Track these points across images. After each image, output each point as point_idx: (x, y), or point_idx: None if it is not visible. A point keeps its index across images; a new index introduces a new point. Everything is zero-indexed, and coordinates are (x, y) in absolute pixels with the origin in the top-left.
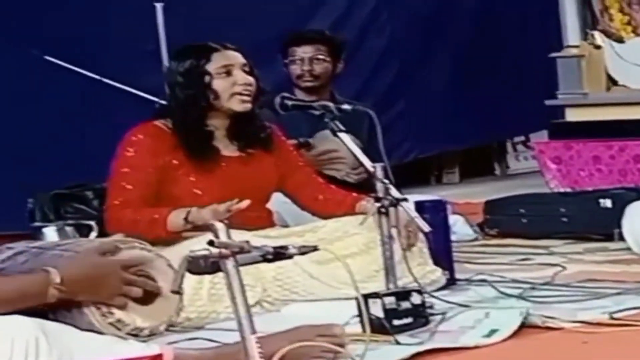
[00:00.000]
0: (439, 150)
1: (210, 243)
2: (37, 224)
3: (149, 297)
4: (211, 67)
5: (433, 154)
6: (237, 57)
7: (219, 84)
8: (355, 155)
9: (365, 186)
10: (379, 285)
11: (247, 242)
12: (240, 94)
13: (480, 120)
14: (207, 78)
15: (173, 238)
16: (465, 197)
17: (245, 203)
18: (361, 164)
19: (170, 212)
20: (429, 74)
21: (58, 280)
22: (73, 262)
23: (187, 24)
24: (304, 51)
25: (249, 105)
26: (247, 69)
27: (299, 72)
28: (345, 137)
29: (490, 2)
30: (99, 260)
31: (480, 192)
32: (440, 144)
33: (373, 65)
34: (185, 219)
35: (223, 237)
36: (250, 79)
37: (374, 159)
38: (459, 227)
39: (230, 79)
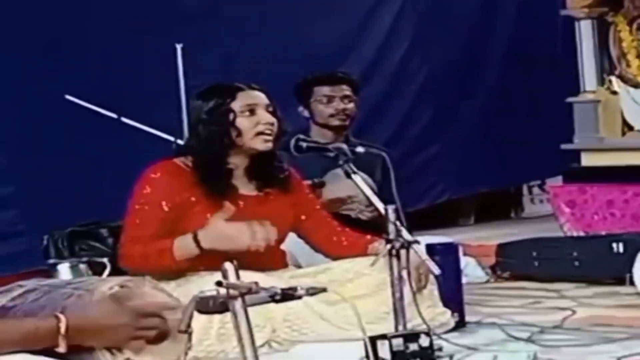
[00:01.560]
0: (470, 192)
1: (219, 283)
2: (51, 260)
3: (158, 336)
4: (236, 105)
5: (465, 195)
6: (261, 97)
7: (242, 122)
8: (367, 198)
9: (379, 224)
10: (388, 327)
11: (256, 283)
12: (263, 133)
13: (506, 163)
14: (231, 116)
15: (182, 270)
16: (479, 239)
17: (273, 235)
18: (374, 206)
19: (173, 242)
20: (461, 118)
21: (63, 328)
22: (84, 310)
23: (207, 65)
24: (334, 90)
25: (270, 145)
26: (270, 109)
27: (332, 111)
28: (359, 179)
29: (518, 45)
30: (112, 307)
31: (495, 235)
32: (471, 185)
33: (406, 109)
34: (195, 239)
35: (232, 278)
36: (273, 119)
37: (387, 200)
38: (471, 269)
39: (254, 118)
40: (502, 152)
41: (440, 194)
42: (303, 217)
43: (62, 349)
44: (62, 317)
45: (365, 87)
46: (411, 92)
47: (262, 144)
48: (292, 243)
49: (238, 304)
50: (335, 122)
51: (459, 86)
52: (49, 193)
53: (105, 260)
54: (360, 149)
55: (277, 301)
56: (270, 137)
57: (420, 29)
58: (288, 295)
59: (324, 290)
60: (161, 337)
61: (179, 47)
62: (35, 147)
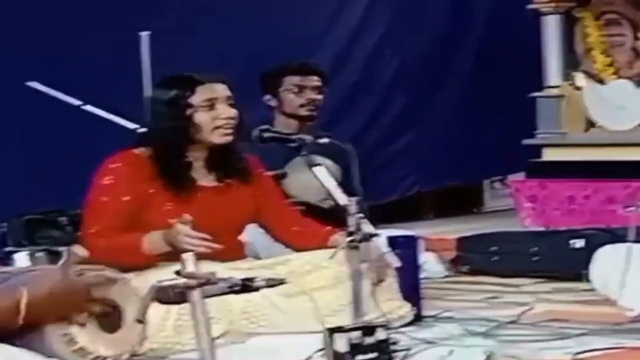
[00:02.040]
0: (441, 185)
1: (177, 273)
2: (8, 249)
3: (113, 325)
4: (195, 99)
5: (435, 188)
6: (221, 91)
7: (201, 117)
8: (328, 190)
9: (340, 213)
10: (347, 320)
11: (214, 273)
12: (222, 127)
13: (476, 157)
14: (189, 111)
15: (150, 264)
16: (439, 233)
17: (217, 247)
18: (334, 199)
19: (143, 237)
20: (433, 110)
21: (25, 299)
22: (39, 282)
23: (173, 54)
24: (305, 80)
25: (229, 138)
26: (231, 101)
27: (303, 101)
28: (320, 171)
29: (490, 38)
30: (69, 279)
31: (455, 229)
32: (442, 179)
33: (378, 100)
34: (165, 237)
35: (190, 268)
36: (233, 112)
37: (350, 193)
38: (430, 264)
39: (213, 112)
40: (473, 145)
41: (410, 186)
42: (263, 207)
43: (19, 322)
44: (21, 289)
45: (336, 77)
46: (383, 83)
47: (220, 138)
48: (252, 234)
49: (196, 294)
50: (304, 112)
51: (431, 78)
52: (7, 181)
53: (64, 249)
54: (324, 140)
55: (235, 292)
56: (229, 131)
57: (393, 19)
58: (247, 286)
59: (283, 282)
60: (116, 325)
61: (143, 34)
62: None
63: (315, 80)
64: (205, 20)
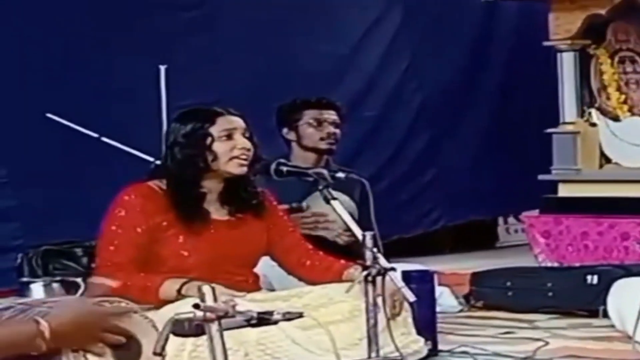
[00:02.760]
0: (465, 220)
1: (196, 306)
2: (24, 279)
3: (131, 357)
4: (214, 129)
5: (461, 222)
6: (239, 122)
7: (219, 146)
8: (345, 223)
9: (355, 249)
10: (361, 354)
11: (233, 306)
12: (238, 157)
13: (498, 191)
14: (208, 140)
15: (162, 304)
16: (453, 268)
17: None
18: (351, 232)
19: (162, 282)
20: (457, 144)
21: (47, 332)
22: (62, 310)
23: (190, 87)
24: (327, 115)
25: (245, 169)
26: (247, 134)
27: (322, 134)
28: (337, 205)
29: (511, 73)
30: (92, 308)
31: (469, 264)
32: (466, 213)
33: (403, 135)
34: (179, 291)
35: (209, 301)
36: (249, 145)
37: (365, 227)
38: (445, 299)
39: (231, 142)
40: (497, 180)
41: (435, 221)
42: (276, 241)
43: (42, 350)
44: (42, 320)
45: (359, 111)
46: (406, 117)
47: (236, 168)
48: (266, 266)
49: (214, 327)
50: (324, 145)
51: (453, 112)
52: (23, 212)
53: (79, 279)
54: (340, 174)
55: (253, 325)
56: (245, 162)
57: (416, 53)
58: (264, 319)
59: (300, 315)
60: (133, 356)
61: (162, 68)
62: (12, 165)
63: (333, 115)
64: (224, 53)
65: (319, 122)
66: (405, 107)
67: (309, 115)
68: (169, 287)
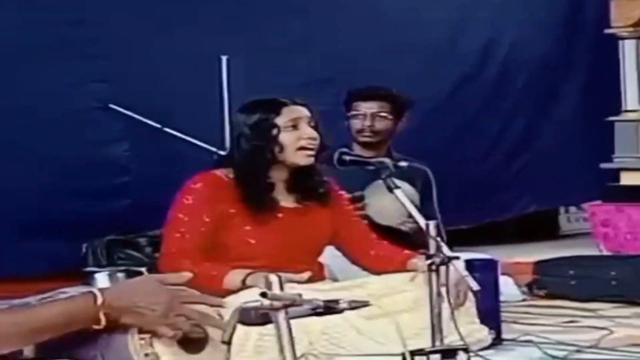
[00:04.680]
0: (553, 205)
1: (263, 295)
2: (89, 269)
3: (196, 345)
4: (280, 120)
5: (550, 207)
6: (304, 112)
7: (285, 137)
8: (409, 212)
9: (419, 237)
10: (425, 343)
11: (299, 295)
12: (305, 147)
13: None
14: (274, 131)
15: (226, 294)
16: (516, 257)
17: (306, 275)
18: (415, 221)
19: (228, 272)
20: (549, 131)
21: (100, 299)
22: (121, 287)
23: (254, 77)
24: (367, 107)
25: (312, 160)
26: (312, 123)
27: (360, 126)
28: (400, 194)
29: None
30: (156, 285)
31: (531, 253)
32: (555, 199)
33: (501, 123)
34: (243, 281)
35: (275, 290)
36: (316, 134)
37: (428, 216)
38: (508, 288)
39: (297, 132)
40: (582, 166)
41: (527, 205)
42: (341, 230)
43: (102, 323)
44: (97, 292)
45: (462, 98)
46: (507, 102)
47: (304, 159)
48: (330, 256)
49: (281, 316)
50: (362, 138)
51: (547, 100)
52: (91, 202)
53: (143, 269)
54: (403, 163)
55: (319, 314)
56: (312, 152)
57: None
58: (330, 308)
59: (366, 304)
60: (200, 346)
61: (224, 58)
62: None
63: (379, 107)
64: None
65: (360, 115)
66: (507, 92)
67: (355, 107)
68: (234, 277)
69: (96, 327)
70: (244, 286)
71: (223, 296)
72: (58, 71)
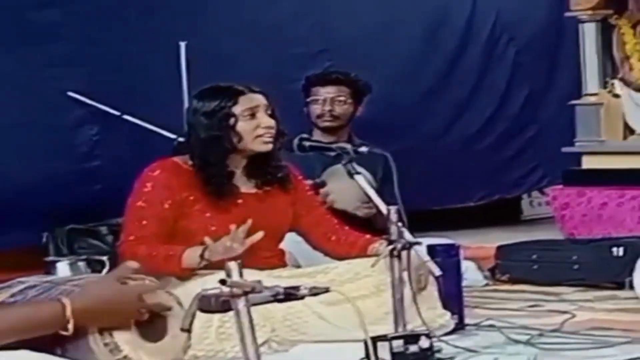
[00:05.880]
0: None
1: (222, 282)
2: (50, 258)
3: (155, 334)
4: (237, 109)
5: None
6: (261, 100)
7: (243, 126)
8: (369, 198)
9: (375, 222)
10: (388, 328)
11: (259, 282)
12: (262, 136)
13: None
14: (232, 120)
15: (186, 275)
16: (478, 242)
17: (259, 235)
18: (375, 207)
19: (185, 250)
20: (554, 99)
21: (69, 309)
22: (87, 289)
23: (210, 62)
24: (326, 91)
25: (270, 146)
26: (269, 111)
27: (319, 111)
28: (361, 179)
29: None
30: (118, 286)
31: (494, 238)
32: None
33: (501, 92)
34: (201, 255)
35: (235, 277)
36: (273, 122)
37: (388, 201)
38: (470, 273)
39: (254, 121)
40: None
41: (540, 179)
42: (301, 215)
43: (69, 330)
44: (65, 299)
45: (454, 75)
46: (502, 75)
47: (262, 146)
48: (292, 242)
49: (241, 303)
50: (322, 123)
51: (550, 66)
52: (49, 191)
53: (104, 258)
54: (363, 149)
55: (280, 300)
56: (270, 139)
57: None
58: (291, 294)
59: (327, 290)
60: (160, 334)
61: (182, 44)
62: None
63: (338, 91)
64: (246, 27)
65: (319, 100)
66: (500, 63)
67: (313, 92)
68: (191, 253)
69: (63, 333)
70: (202, 260)
71: (185, 278)
72: (19, 55)
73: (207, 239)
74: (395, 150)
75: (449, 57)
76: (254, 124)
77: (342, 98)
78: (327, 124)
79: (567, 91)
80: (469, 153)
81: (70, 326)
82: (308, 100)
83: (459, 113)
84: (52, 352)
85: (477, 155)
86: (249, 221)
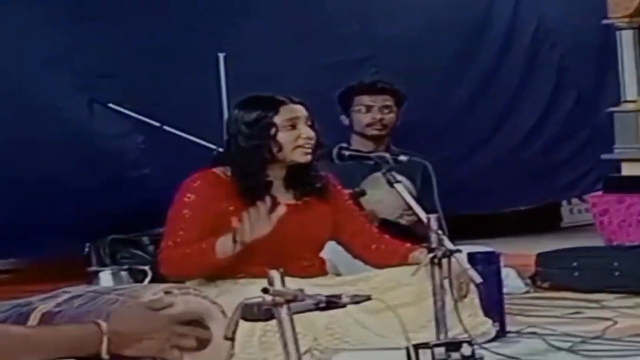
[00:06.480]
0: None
1: (265, 291)
2: (93, 268)
3: (200, 344)
4: (278, 119)
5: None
6: (302, 111)
7: (283, 137)
8: (410, 206)
9: (418, 230)
10: (429, 336)
11: (301, 290)
12: (302, 147)
13: None
14: (273, 130)
15: (222, 269)
16: (518, 249)
17: (282, 209)
18: (416, 215)
19: (216, 241)
20: (605, 103)
21: (105, 328)
22: (122, 314)
23: (249, 74)
24: (374, 100)
25: (309, 157)
26: (309, 122)
27: (369, 120)
28: (401, 188)
29: None
30: (149, 314)
31: (534, 245)
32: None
33: (548, 97)
34: (234, 240)
35: (277, 285)
36: (313, 133)
37: (428, 210)
38: (511, 280)
39: (295, 132)
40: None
41: (594, 182)
42: (341, 225)
43: (104, 355)
44: (102, 322)
45: (496, 80)
46: (547, 79)
47: (302, 157)
48: (332, 251)
49: (284, 312)
50: (371, 131)
51: (597, 68)
52: (91, 202)
53: (146, 267)
54: (402, 157)
55: (321, 309)
56: (309, 150)
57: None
58: (333, 303)
59: (368, 298)
60: (204, 344)
61: (221, 56)
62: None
63: (384, 100)
64: (282, 39)
65: (368, 108)
66: (544, 68)
67: (359, 101)
68: (223, 240)
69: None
70: (235, 244)
71: (220, 272)
72: (61, 66)
73: (234, 222)
74: (439, 158)
75: (491, 62)
76: (295, 135)
77: (389, 105)
78: (377, 132)
79: (618, 94)
80: (517, 158)
81: (104, 347)
82: (353, 109)
83: (503, 118)
84: None
85: (525, 160)
86: (283, 207)
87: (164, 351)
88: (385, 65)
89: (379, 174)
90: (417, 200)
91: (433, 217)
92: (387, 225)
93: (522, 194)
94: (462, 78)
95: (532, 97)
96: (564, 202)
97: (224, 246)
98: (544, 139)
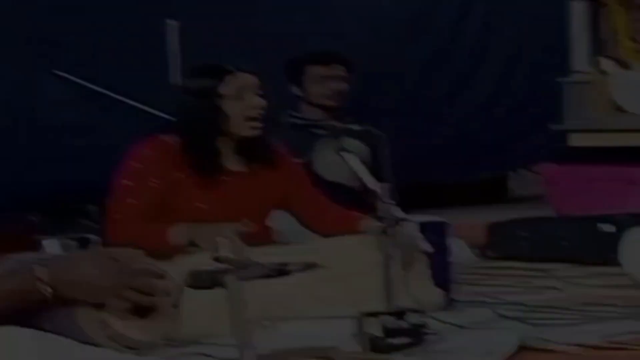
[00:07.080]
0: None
1: (216, 259)
2: (39, 237)
3: (148, 310)
4: (225, 89)
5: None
6: (250, 80)
7: (230, 108)
8: (358, 174)
9: (369, 197)
10: (378, 305)
11: (249, 258)
12: (251, 118)
13: None
14: (219, 100)
15: (174, 252)
16: (468, 219)
17: (247, 226)
18: (364, 184)
19: (170, 227)
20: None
21: (46, 276)
22: (66, 259)
23: (201, 43)
24: (329, 70)
25: (257, 132)
26: (260, 91)
27: (328, 92)
28: (350, 157)
29: None
30: (99, 258)
31: (483, 216)
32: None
33: (500, 69)
34: (190, 238)
35: (225, 252)
36: (262, 103)
37: (381, 178)
38: (460, 250)
39: (243, 102)
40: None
41: (543, 153)
42: (292, 193)
43: (48, 294)
44: (39, 265)
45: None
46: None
47: (249, 131)
48: (280, 219)
49: (232, 279)
50: (330, 102)
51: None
52: (37, 171)
53: (94, 236)
54: (355, 127)
55: (270, 276)
56: (258, 123)
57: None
58: (281, 270)
59: (317, 266)
60: (151, 310)
61: (172, 23)
62: (26, 124)
63: (338, 70)
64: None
65: (324, 79)
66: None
67: (313, 71)
68: (178, 231)
69: (40, 300)
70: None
71: (171, 255)
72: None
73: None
74: (393, 127)
75: (446, 34)
76: (242, 105)
77: (343, 76)
78: (334, 103)
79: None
80: (468, 130)
81: (48, 291)
82: (305, 79)
83: (455, 90)
84: (41, 328)
85: (476, 131)
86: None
87: (109, 296)
88: (339, 29)
89: (329, 140)
90: (371, 168)
91: (384, 186)
92: (338, 191)
93: (472, 165)
94: (415, 50)
95: (485, 70)
96: (513, 174)
97: (177, 237)
98: (495, 111)
